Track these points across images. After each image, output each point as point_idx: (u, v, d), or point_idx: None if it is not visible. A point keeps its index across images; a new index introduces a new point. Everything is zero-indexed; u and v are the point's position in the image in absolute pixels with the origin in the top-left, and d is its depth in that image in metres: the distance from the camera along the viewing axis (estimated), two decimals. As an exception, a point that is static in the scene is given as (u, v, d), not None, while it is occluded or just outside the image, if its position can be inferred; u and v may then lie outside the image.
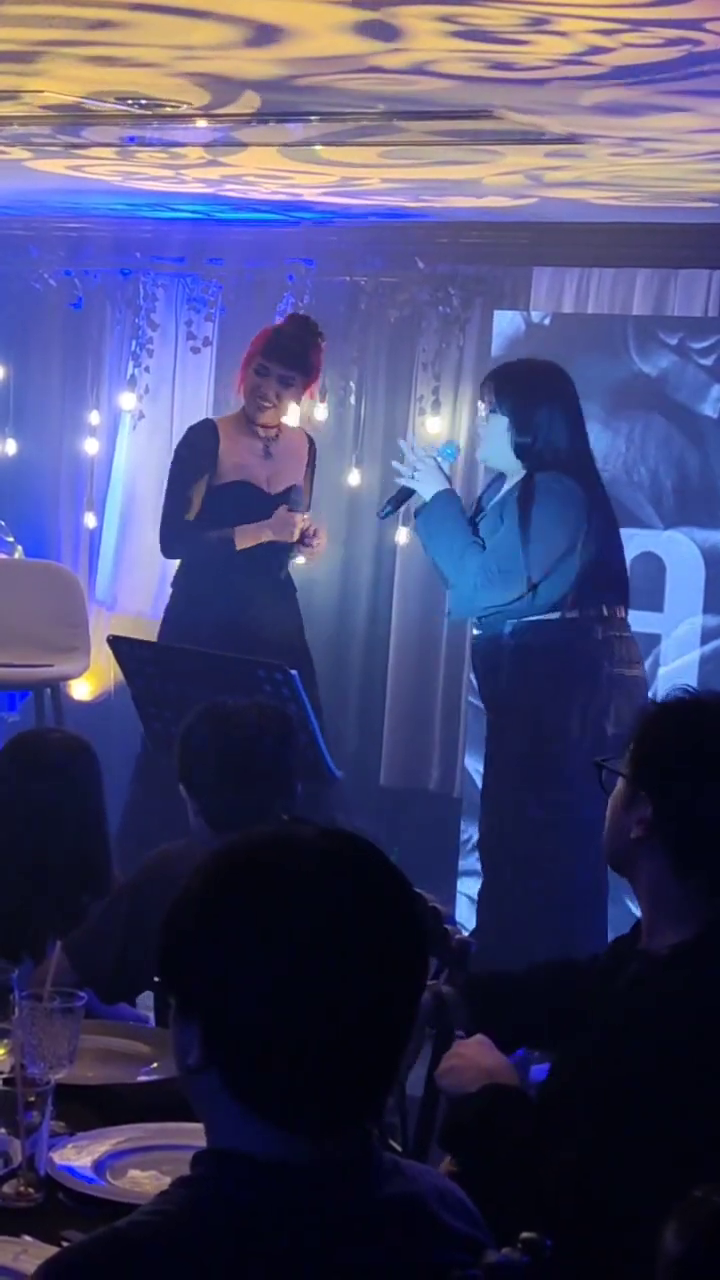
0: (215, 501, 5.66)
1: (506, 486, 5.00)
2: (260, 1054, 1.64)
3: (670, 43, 2.83)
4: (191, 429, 5.87)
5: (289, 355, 5.62)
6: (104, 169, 5.16)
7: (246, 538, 5.56)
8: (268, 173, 5.07)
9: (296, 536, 5.56)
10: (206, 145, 4.52)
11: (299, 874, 1.67)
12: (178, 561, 5.84)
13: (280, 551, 5.63)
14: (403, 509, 5.44)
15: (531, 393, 4.96)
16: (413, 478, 5.11)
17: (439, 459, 5.11)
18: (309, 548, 5.64)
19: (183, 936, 1.69)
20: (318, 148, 4.41)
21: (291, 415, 5.86)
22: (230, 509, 5.62)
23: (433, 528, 5.04)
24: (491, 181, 4.81)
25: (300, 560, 5.79)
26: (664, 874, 2.42)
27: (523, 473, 4.92)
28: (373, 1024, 1.66)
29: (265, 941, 1.64)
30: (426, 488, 5.10)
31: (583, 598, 4.89)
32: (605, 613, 4.93)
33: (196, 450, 5.72)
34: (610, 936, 5.04)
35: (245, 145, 4.44)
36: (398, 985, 1.70)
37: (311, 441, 5.96)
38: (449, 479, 5.12)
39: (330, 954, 1.64)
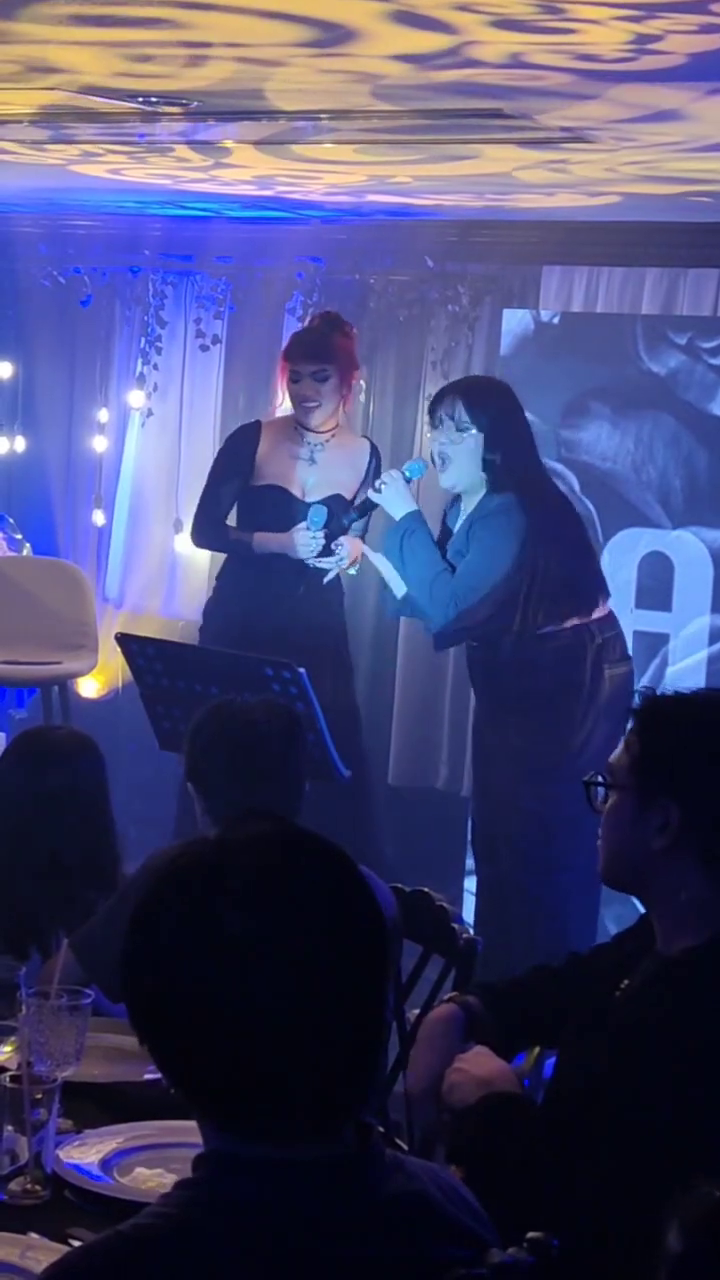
0: (250, 503, 5.66)
1: (470, 507, 4.97)
2: (214, 1073, 1.62)
3: (706, 29, 2.80)
4: (237, 429, 5.87)
5: (313, 349, 5.59)
6: (139, 170, 5.19)
7: (264, 544, 5.54)
8: (293, 171, 5.07)
9: (311, 554, 5.47)
10: (215, 142, 4.52)
11: (228, 880, 1.63)
12: (219, 560, 5.82)
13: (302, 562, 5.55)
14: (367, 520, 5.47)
15: (508, 409, 4.95)
16: (379, 491, 5.10)
17: (406, 474, 5.08)
18: (330, 556, 5.51)
19: (124, 957, 1.67)
20: (329, 145, 4.41)
21: (344, 427, 5.76)
22: (262, 512, 5.61)
23: (406, 554, 5.02)
24: (523, 177, 4.80)
25: (332, 572, 5.61)
26: (693, 878, 2.36)
27: (483, 492, 4.91)
28: (331, 1025, 1.63)
29: (193, 954, 1.61)
30: (394, 506, 5.08)
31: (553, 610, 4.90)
32: (578, 620, 4.93)
33: (232, 450, 5.74)
34: (599, 926, 5.10)
35: (274, 144, 4.45)
36: (357, 981, 1.65)
37: (375, 451, 5.82)
38: (414, 498, 5.10)
39: (271, 958, 1.60)
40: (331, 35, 3.00)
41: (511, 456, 4.90)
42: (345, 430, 5.78)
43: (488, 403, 4.92)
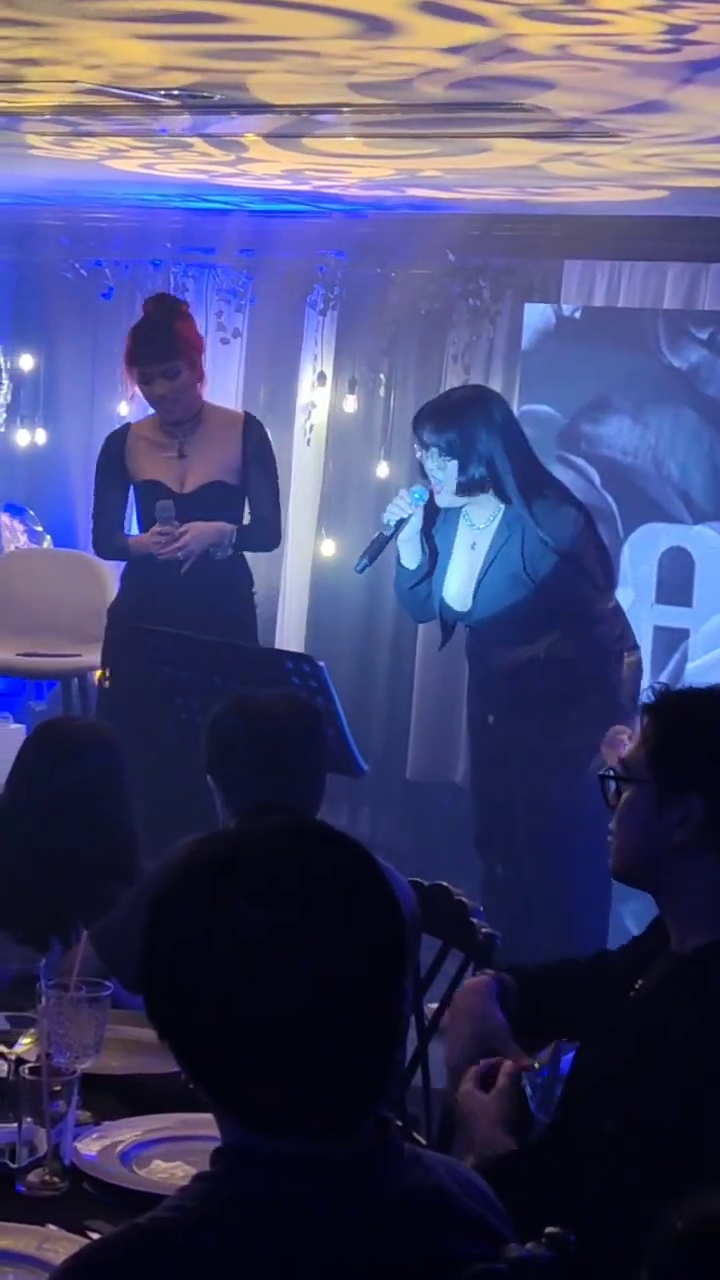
0: (138, 502, 5.58)
1: (483, 519, 4.93)
2: (231, 1067, 1.62)
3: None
4: (106, 437, 5.71)
5: (157, 349, 5.31)
6: (171, 165, 5.20)
7: (139, 548, 5.43)
8: (321, 165, 5.07)
9: (171, 549, 5.30)
10: (237, 136, 4.53)
11: (246, 874, 1.62)
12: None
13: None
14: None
15: (478, 416, 4.85)
16: (392, 529, 4.97)
17: (413, 500, 4.94)
18: (172, 550, 5.31)
19: (141, 951, 1.67)
20: (350, 139, 4.41)
21: (208, 405, 5.54)
22: (145, 510, 5.52)
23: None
24: (550, 168, 4.80)
25: (186, 564, 5.36)
26: (713, 872, 2.35)
27: (496, 503, 4.88)
28: (349, 1018, 1.62)
29: (210, 948, 1.61)
30: (409, 557, 5.01)
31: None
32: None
33: (103, 461, 5.60)
34: (617, 922, 5.09)
35: (293, 137, 4.45)
36: (375, 973, 1.65)
37: (249, 421, 5.58)
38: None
39: (289, 953, 1.60)
40: (370, 28, 2.99)
41: (502, 460, 4.84)
42: (210, 408, 5.57)
43: (454, 420, 4.83)
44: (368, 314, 6.70)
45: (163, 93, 3.81)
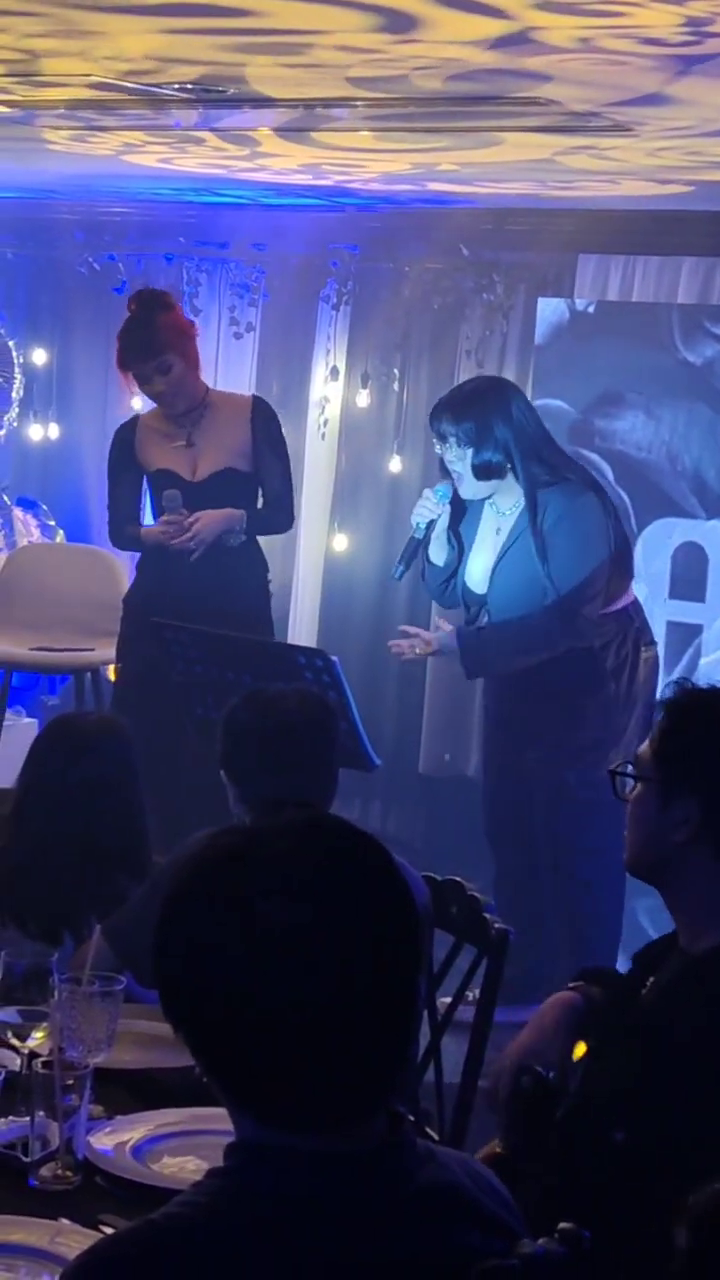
0: (151, 492, 5.60)
1: (507, 507, 4.93)
2: (246, 1061, 1.62)
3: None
4: (116, 429, 5.75)
5: (146, 347, 5.34)
6: (190, 160, 5.20)
7: (150, 538, 5.46)
8: (338, 160, 5.07)
9: (182, 539, 5.32)
10: (250, 130, 4.52)
11: (263, 869, 1.62)
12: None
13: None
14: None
15: (494, 406, 4.86)
16: (423, 531, 5.00)
17: (436, 498, 4.95)
18: (183, 540, 5.33)
19: (156, 945, 1.67)
20: (365, 133, 4.40)
21: (213, 391, 5.60)
22: (158, 499, 5.53)
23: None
24: (565, 162, 4.79)
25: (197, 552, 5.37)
26: (715, 872, 2.34)
27: (519, 494, 4.87)
28: (365, 1014, 1.62)
29: (225, 943, 1.61)
30: (437, 554, 5.04)
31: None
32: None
33: (115, 448, 5.64)
34: (633, 919, 5.09)
35: (302, 131, 4.44)
36: (389, 968, 1.64)
37: (258, 404, 5.60)
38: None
39: (305, 947, 1.59)
40: (395, 22, 2.98)
41: (519, 445, 4.85)
42: (217, 395, 5.62)
43: (469, 407, 4.86)
44: (381, 308, 6.70)
45: (176, 86, 3.81)
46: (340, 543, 6.95)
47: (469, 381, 5.23)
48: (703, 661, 5.74)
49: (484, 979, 3.28)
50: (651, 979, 2.45)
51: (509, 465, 4.85)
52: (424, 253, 6.59)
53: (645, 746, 2.44)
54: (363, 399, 6.82)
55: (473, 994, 3.32)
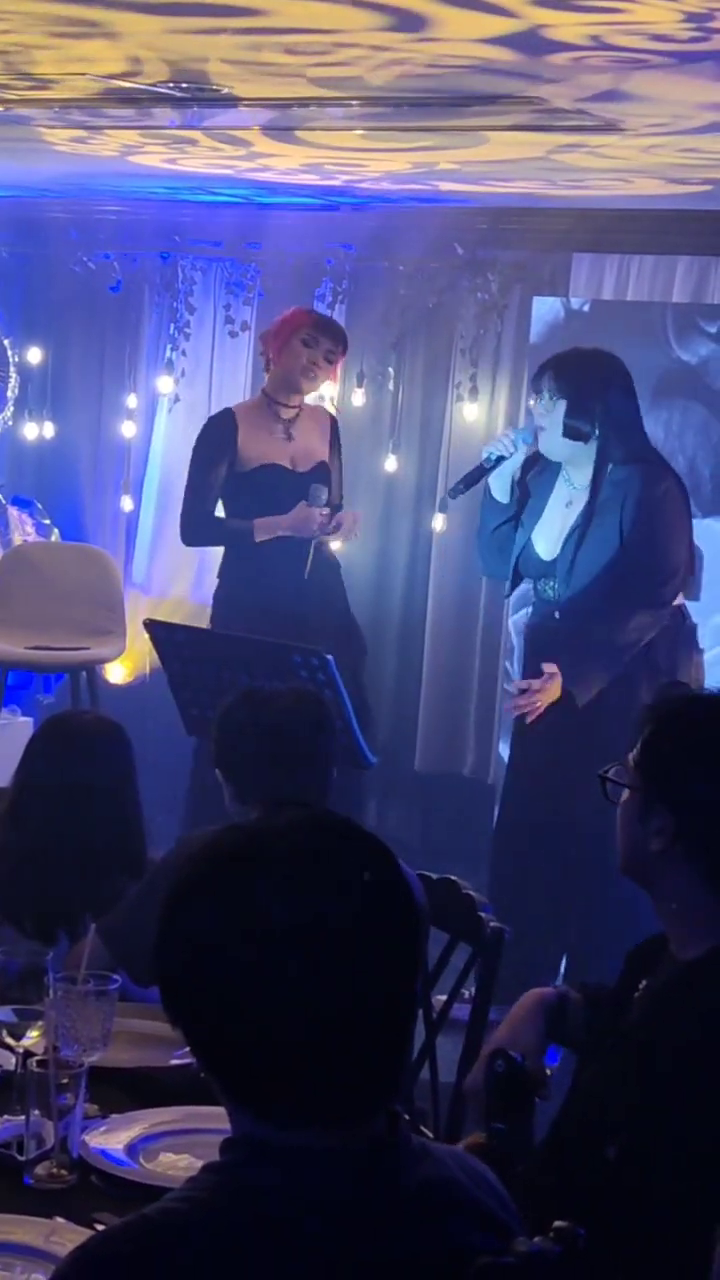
0: (243, 488, 5.64)
1: (578, 477, 4.91)
2: (247, 1059, 1.63)
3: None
4: (210, 420, 5.89)
5: (335, 331, 5.71)
6: (193, 160, 5.20)
7: (264, 531, 5.53)
8: (340, 160, 5.06)
9: (315, 532, 5.53)
10: (243, 130, 4.52)
11: (267, 867, 1.63)
12: (221, 549, 5.84)
13: (302, 544, 5.55)
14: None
15: (601, 379, 4.88)
16: (493, 461, 4.97)
17: (515, 441, 4.98)
18: (335, 534, 5.61)
19: (157, 941, 1.67)
20: (359, 132, 4.40)
21: (311, 394, 5.91)
22: (259, 494, 5.60)
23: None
24: (562, 159, 4.79)
25: (335, 545, 5.76)
26: (692, 884, 2.33)
27: (592, 463, 4.85)
28: (366, 1013, 1.62)
29: (226, 941, 1.61)
30: (500, 490, 5.01)
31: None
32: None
33: (213, 441, 5.71)
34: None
35: (293, 130, 4.44)
36: (389, 968, 1.65)
37: (333, 419, 5.98)
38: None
39: (306, 945, 1.60)
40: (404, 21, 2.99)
41: (612, 416, 4.85)
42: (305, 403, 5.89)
43: (576, 368, 4.88)
44: (375, 307, 6.70)
45: (170, 85, 3.80)
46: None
47: (585, 347, 5.20)
48: (698, 660, 5.74)
49: (479, 977, 3.28)
50: (644, 983, 2.44)
51: (593, 431, 4.84)
52: (419, 252, 6.59)
53: (634, 752, 2.42)
54: (358, 398, 6.82)
55: (468, 992, 3.32)
